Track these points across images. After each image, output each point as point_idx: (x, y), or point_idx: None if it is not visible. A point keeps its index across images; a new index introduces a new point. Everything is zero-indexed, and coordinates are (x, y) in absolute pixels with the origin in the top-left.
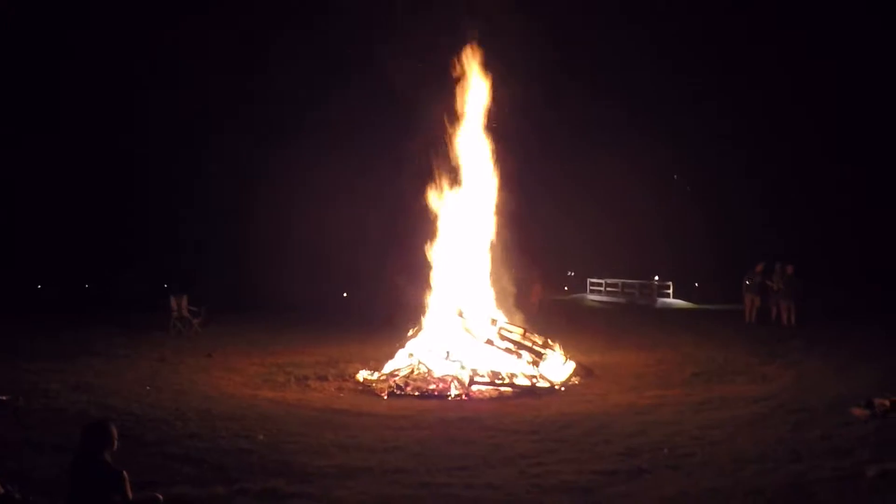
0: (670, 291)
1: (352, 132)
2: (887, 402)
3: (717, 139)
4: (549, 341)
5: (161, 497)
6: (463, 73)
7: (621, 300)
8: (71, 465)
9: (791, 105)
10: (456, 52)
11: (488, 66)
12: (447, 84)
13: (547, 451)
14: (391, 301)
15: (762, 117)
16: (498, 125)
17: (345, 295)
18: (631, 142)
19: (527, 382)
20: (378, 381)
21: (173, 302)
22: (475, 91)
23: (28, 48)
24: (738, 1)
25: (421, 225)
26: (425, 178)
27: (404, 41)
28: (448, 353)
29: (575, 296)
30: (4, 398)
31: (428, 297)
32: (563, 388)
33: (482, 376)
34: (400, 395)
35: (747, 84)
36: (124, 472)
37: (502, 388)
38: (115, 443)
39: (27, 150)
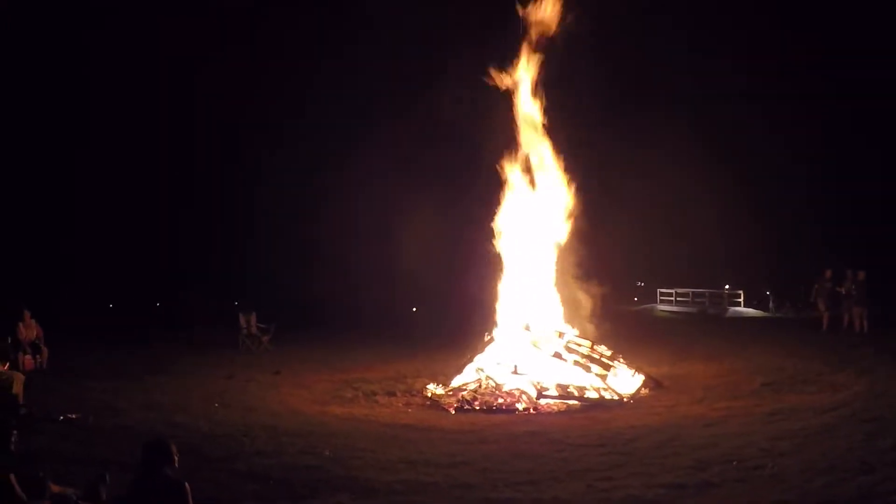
0: (741, 300)
1: (419, 146)
2: None
3: (784, 147)
4: (618, 353)
5: None
6: (523, 85)
7: (691, 310)
8: (131, 483)
9: (856, 106)
10: (516, 63)
11: (551, 77)
12: (512, 98)
13: (615, 464)
14: (460, 315)
15: (829, 123)
16: (564, 138)
17: (414, 310)
18: (699, 151)
19: (595, 395)
20: (445, 395)
21: (242, 319)
22: (538, 104)
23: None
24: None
25: (489, 238)
26: (493, 190)
27: (467, 57)
28: (516, 366)
29: (645, 306)
30: (74, 417)
31: (496, 311)
32: (631, 401)
33: (550, 390)
34: (467, 410)
35: (814, 87)
36: (186, 485)
37: (570, 402)
38: (176, 459)
39: (93, 169)
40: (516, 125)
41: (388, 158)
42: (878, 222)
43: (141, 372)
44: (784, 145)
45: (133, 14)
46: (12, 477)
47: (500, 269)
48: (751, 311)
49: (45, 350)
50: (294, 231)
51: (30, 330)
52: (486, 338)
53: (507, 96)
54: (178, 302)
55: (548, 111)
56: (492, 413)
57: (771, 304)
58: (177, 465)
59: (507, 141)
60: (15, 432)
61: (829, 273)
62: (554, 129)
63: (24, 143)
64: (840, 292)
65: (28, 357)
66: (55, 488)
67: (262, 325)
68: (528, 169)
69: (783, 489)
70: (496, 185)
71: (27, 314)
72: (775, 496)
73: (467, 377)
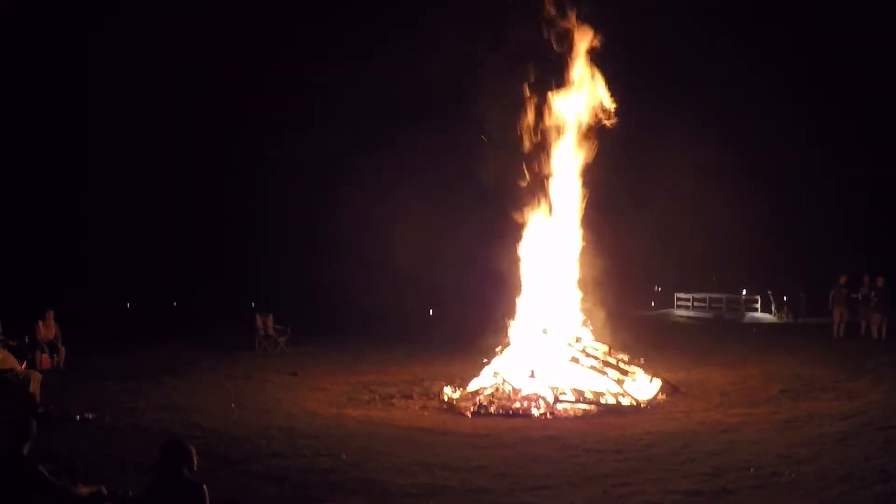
0: (758, 306)
1: (439, 148)
2: None
3: (804, 156)
4: (635, 358)
5: None
6: (542, 87)
7: (708, 315)
8: (149, 484)
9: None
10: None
11: (565, 81)
12: (530, 97)
13: (631, 470)
14: (478, 319)
15: (849, 131)
16: (582, 142)
17: (431, 312)
18: (721, 158)
19: (612, 401)
20: (462, 399)
21: (259, 321)
22: (556, 108)
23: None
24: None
25: (507, 242)
26: (512, 194)
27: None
28: (533, 371)
29: (662, 311)
30: (90, 416)
31: (514, 315)
32: (648, 406)
33: (566, 395)
34: (484, 414)
35: (835, 97)
36: (204, 486)
37: (587, 407)
38: (195, 460)
39: (110, 170)
40: (538, 128)
41: (410, 161)
42: None
43: (158, 372)
44: (807, 148)
45: (139, 16)
46: (41, 468)
47: (519, 273)
48: (767, 317)
49: (62, 349)
50: (312, 233)
51: (49, 329)
52: (504, 342)
53: (531, 96)
54: (195, 302)
55: (568, 112)
56: (508, 417)
57: (773, 308)
58: (195, 466)
59: (531, 144)
60: (30, 438)
61: (844, 279)
62: (575, 131)
63: (39, 145)
64: (857, 298)
65: (45, 356)
66: (84, 490)
67: (278, 327)
68: (549, 173)
69: (800, 496)
70: (517, 188)
71: (51, 314)
72: None
73: (484, 381)
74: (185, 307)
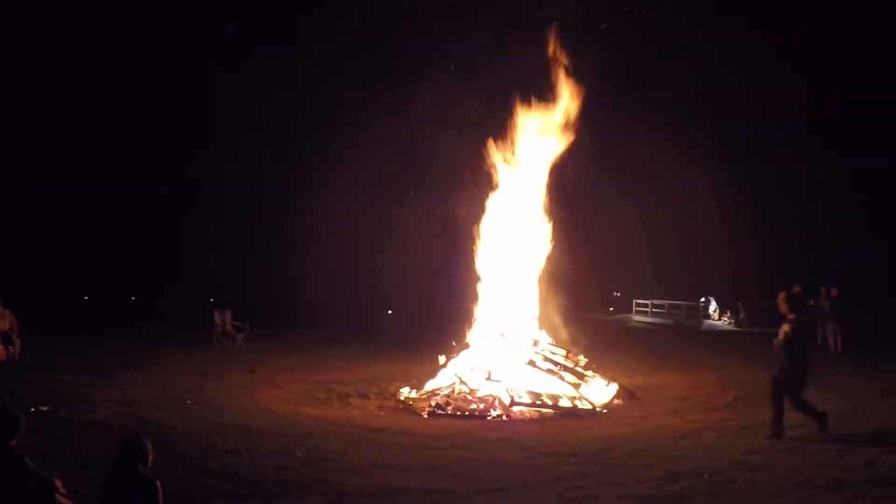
0: (716, 313)
1: (399, 147)
2: None
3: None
4: (592, 363)
5: None
6: (510, 89)
7: (667, 321)
8: (104, 481)
9: (847, 125)
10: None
11: (532, 80)
12: (495, 97)
13: (586, 474)
14: (435, 319)
15: (815, 138)
16: (544, 145)
17: (389, 312)
18: (678, 166)
19: (568, 404)
20: (419, 399)
21: (217, 317)
22: (521, 110)
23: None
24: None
25: (467, 244)
26: (472, 196)
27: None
28: (489, 373)
29: (620, 316)
30: (45, 409)
31: (471, 316)
32: (604, 411)
33: (523, 397)
34: (440, 415)
35: (802, 102)
36: (158, 483)
37: (543, 410)
38: (150, 457)
39: (67, 159)
40: (503, 130)
41: (369, 160)
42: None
43: (114, 366)
44: (766, 160)
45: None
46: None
47: (478, 275)
48: (725, 325)
49: (17, 341)
50: (272, 230)
51: (3, 320)
52: (462, 343)
53: (497, 97)
54: (153, 297)
55: (535, 115)
56: (465, 419)
57: (713, 313)
58: (150, 463)
59: (492, 146)
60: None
61: (798, 288)
62: (541, 135)
63: None
64: (811, 305)
65: (0, 347)
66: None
67: (236, 323)
68: (511, 176)
69: None
70: (478, 190)
71: None
72: None
73: (441, 382)
74: (144, 302)
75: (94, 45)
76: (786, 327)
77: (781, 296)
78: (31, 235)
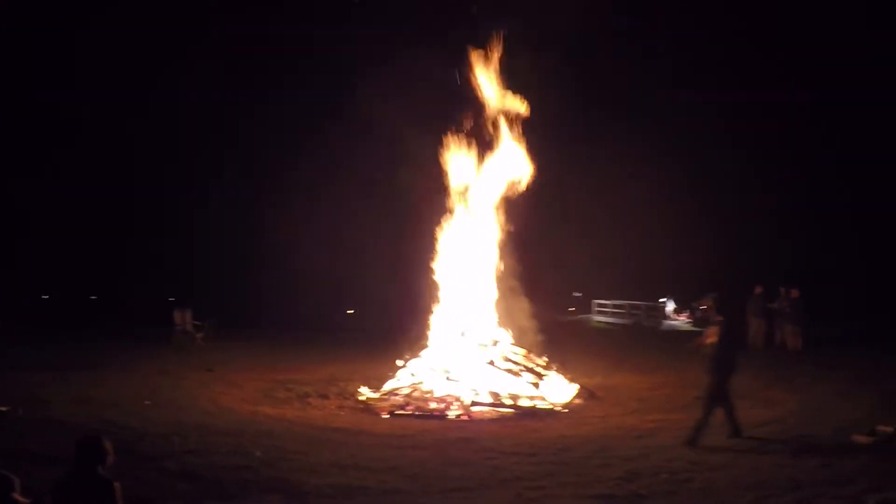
0: (675, 313)
1: (358, 149)
2: (891, 430)
3: (725, 161)
4: (552, 363)
5: None
6: (465, 89)
7: (627, 322)
8: (62, 481)
9: (803, 126)
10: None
11: (488, 80)
12: (452, 99)
13: (545, 473)
14: (396, 319)
15: (775, 138)
16: (503, 146)
17: (350, 312)
18: (642, 165)
19: (528, 404)
20: (378, 399)
21: (177, 316)
22: (479, 109)
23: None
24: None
25: (427, 244)
26: (432, 198)
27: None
28: (449, 373)
29: (581, 317)
30: (3, 409)
31: (432, 316)
32: (564, 410)
33: (483, 397)
34: (400, 415)
35: (760, 102)
36: (116, 484)
37: (503, 410)
38: (110, 458)
39: (32, 157)
40: (463, 130)
41: (332, 164)
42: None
43: (73, 365)
44: (726, 159)
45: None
46: None
47: (438, 276)
48: (685, 325)
49: None
50: (234, 229)
51: None
52: (422, 343)
53: (456, 101)
54: (113, 296)
55: (494, 118)
56: (424, 418)
57: (672, 313)
58: (109, 463)
59: (452, 147)
60: None
61: (759, 289)
62: (499, 137)
63: None
64: (772, 308)
65: None
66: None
67: (197, 323)
68: (471, 176)
69: (712, 503)
70: (438, 192)
71: None
72: None
73: (401, 382)
74: (104, 301)
75: (63, 46)
76: (713, 329)
77: (708, 299)
78: None
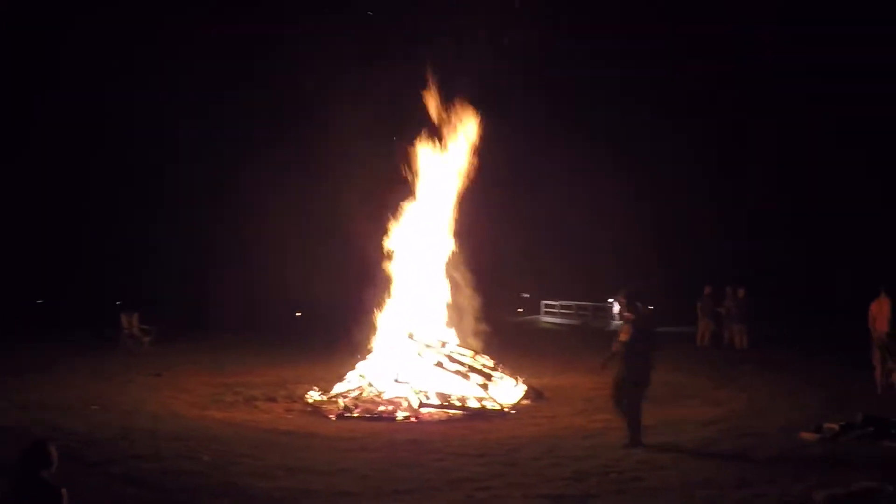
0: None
1: (307, 153)
2: (836, 427)
3: (671, 163)
4: (500, 364)
5: None
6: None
7: (575, 322)
8: (5, 487)
9: (746, 128)
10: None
11: (439, 86)
12: (402, 103)
13: (495, 474)
14: (344, 322)
15: (717, 139)
16: (452, 147)
17: (298, 314)
18: (585, 163)
19: (476, 405)
20: (327, 402)
21: (124, 320)
22: (428, 115)
23: None
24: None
25: (376, 247)
26: (379, 201)
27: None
28: (397, 375)
29: (529, 317)
30: None
31: (380, 318)
32: (512, 411)
33: (431, 399)
34: (348, 417)
35: (701, 102)
36: (63, 490)
37: (451, 411)
38: (55, 464)
39: None
40: (413, 132)
41: (283, 163)
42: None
43: (19, 370)
44: (675, 159)
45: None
46: None
47: (386, 277)
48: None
49: None
50: (182, 233)
51: None
52: (370, 345)
53: (406, 106)
54: (59, 300)
55: (444, 119)
56: (373, 421)
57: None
58: (55, 469)
59: (401, 150)
60: None
61: (709, 289)
62: (449, 138)
63: None
64: (720, 312)
65: None
66: None
67: (144, 326)
68: (419, 177)
69: (661, 502)
70: (387, 193)
71: None
72: None
73: (349, 384)
74: (50, 305)
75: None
76: (625, 328)
77: (620, 297)
78: None
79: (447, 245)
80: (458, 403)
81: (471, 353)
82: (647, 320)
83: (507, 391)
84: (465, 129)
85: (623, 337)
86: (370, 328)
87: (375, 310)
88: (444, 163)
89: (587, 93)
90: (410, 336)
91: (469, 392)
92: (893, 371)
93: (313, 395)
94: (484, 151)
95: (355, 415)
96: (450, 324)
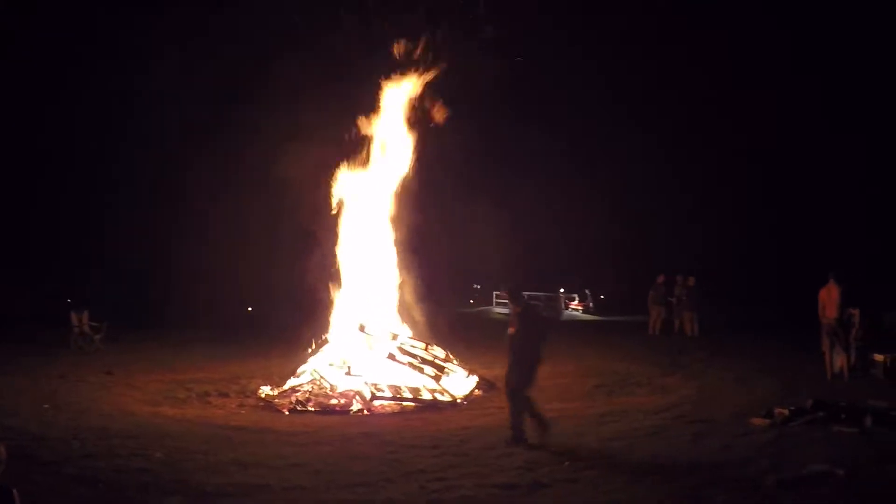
0: (580, 304)
1: (256, 142)
2: (787, 412)
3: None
4: (452, 355)
5: None
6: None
7: None
8: None
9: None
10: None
11: (394, 76)
12: (356, 92)
13: (448, 465)
14: (296, 316)
15: (670, 127)
16: (404, 137)
17: (249, 309)
18: (538, 153)
19: (428, 397)
20: (279, 397)
21: (74, 317)
22: (383, 103)
23: None
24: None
25: (326, 240)
26: (330, 190)
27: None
28: (349, 368)
29: (481, 308)
30: None
31: (331, 311)
32: (465, 402)
33: (384, 391)
34: (301, 411)
35: (656, 88)
36: (14, 491)
37: (404, 403)
38: (4, 463)
39: None
40: (363, 119)
41: (230, 156)
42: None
43: None
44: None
45: None
46: None
47: (337, 271)
48: (585, 315)
49: None
50: (131, 228)
51: None
52: (321, 339)
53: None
54: (7, 298)
55: (399, 105)
56: (326, 414)
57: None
58: (4, 469)
59: (351, 138)
60: None
61: (661, 278)
62: (401, 127)
63: None
64: (671, 300)
65: None
66: None
67: (94, 324)
68: (370, 169)
69: (612, 489)
70: (338, 184)
71: None
72: (605, 496)
73: (301, 378)
74: None
75: None
76: (512, 321)
77: (503, 292)
78: None
79: (399, 238)
80: (410, 395)
81: (423, 345)
82: (534, 312)
83: (459, 382)
84: (418, 118)
85: (511, 330)
86: (322, 322)
87: (328, 303)
88: (394, 156)
89: (546, 83)
90: (362, 329)
91: (421, 384)
92: (842, 357)
93: (266, 390)
94: (437, 143)
95: (308, 409)
96: (401, 316)
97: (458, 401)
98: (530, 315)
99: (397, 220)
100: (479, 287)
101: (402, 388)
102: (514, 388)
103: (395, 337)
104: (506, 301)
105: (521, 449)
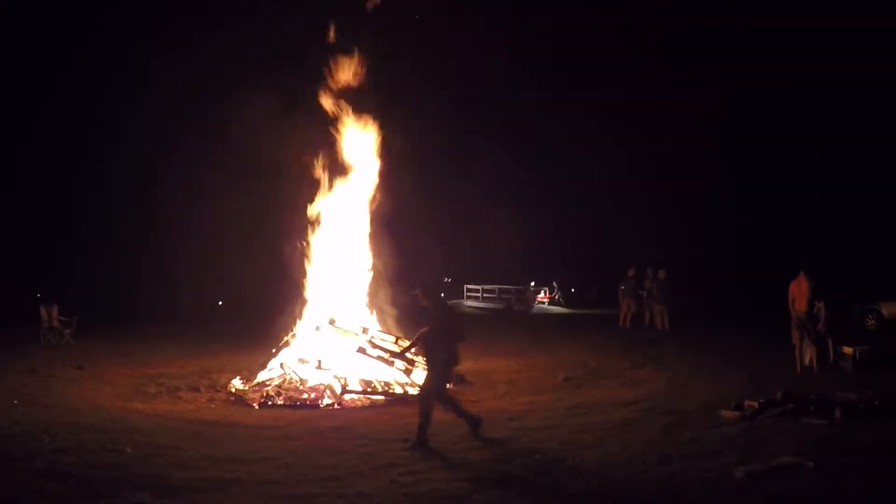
0: (546, 297)
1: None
2: (756, 405)
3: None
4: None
5: None
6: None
7: (498, 306)
8: None
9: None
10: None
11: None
12: (327, 84)
13: (418, 458)
14: (266, 310)
15: (642, 123)
16: (374, 131)
17: (220, 303)
18: (506, 152)
19: (399, 390)
20: (250, 391)
21: (44, 312)
22: (352, 96)
23: None
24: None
25: (296, 234)
26: (300, 184)
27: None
28: (320, 361)
29: (451, 302)
30: None
31: (302, 305)
32: None
33: (354, 385)
34: (272, 406)
35: (621, 82)
36: None
37: (374, 397)
38: None
39: None
40: (331, 115)
41: (202, 151)
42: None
43: None
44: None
45: None
46: None
47: (307, 264)
48: (556, 308)
49: None
50: (104, 222)
51: None
52: (291, 333)
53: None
54: None
55: (366, 102)
56: (296, 408)
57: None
58: None
59: (321, 133)
60: None
61: (632, 272)
62: (370, 120)
63: None
64: (641, 293)
65: None
66: None
67: (63, 318)
68: (340, 164)
69: (583, 481)
70: (308, 178)
71: None
72: (576, 488)
73: (272, 372)
74: None
75: None
76: (426, 320)
77: (417, 291)
78: None
79: (369, 232)
80: (380, 389)
81: (393, 338)
82: (450, 311)
83: None
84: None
85: (423, 330)
86: (292, 316)
87: (298, 297)
88: (365, 150)
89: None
90: (332, 322)
91: (392, 377)
92: (811, 349)
93: (236, 385)
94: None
95: (279, 403)
96: (371, 309)
97: None
98: (445, 314)
99: (370, 218)
100: (449, 280)
101: (373, 381)
102: (423, 390)
103: (365, 330)
104: (425, 299)
105: (482, 443)
